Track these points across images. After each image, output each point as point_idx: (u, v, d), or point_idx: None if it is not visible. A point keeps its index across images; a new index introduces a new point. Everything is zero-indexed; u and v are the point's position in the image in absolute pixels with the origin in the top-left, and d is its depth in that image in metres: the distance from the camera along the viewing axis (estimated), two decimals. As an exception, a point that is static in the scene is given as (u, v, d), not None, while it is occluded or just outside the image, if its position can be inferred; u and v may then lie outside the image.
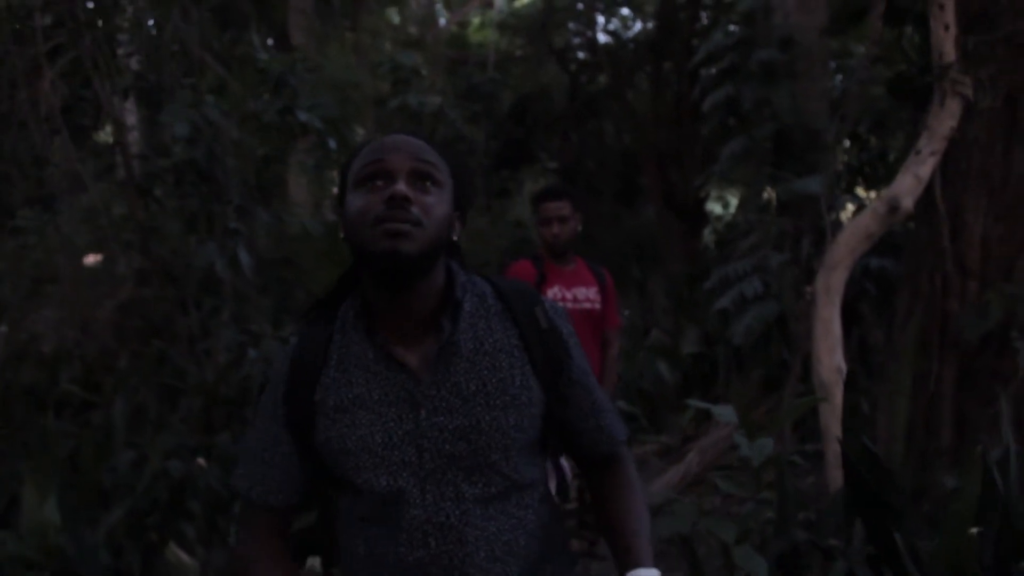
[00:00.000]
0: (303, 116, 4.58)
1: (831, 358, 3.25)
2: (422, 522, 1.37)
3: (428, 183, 1.38)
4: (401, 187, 1.33)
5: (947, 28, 3.52)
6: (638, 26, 16.51)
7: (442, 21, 18.11)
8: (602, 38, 16.10)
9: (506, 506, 1.41)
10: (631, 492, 1.49)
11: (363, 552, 1.43)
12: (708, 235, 13.58)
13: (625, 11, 16.87)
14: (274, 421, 1.44)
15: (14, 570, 3.07)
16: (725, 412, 2.81)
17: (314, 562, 3.78)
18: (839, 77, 7.27)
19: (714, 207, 14.42)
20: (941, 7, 3.54)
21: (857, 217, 3.60)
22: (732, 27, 8.18)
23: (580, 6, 15.87)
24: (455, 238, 1.45)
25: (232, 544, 3.69)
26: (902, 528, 2.05)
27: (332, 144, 4.81)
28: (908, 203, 3.47)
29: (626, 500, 1.48)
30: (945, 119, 3.51)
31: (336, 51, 9.57)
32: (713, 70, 8.04)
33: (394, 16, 17.24)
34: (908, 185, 3.44)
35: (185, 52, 4.42)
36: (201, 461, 3.63)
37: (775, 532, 2.30)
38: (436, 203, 1.37)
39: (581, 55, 16.18)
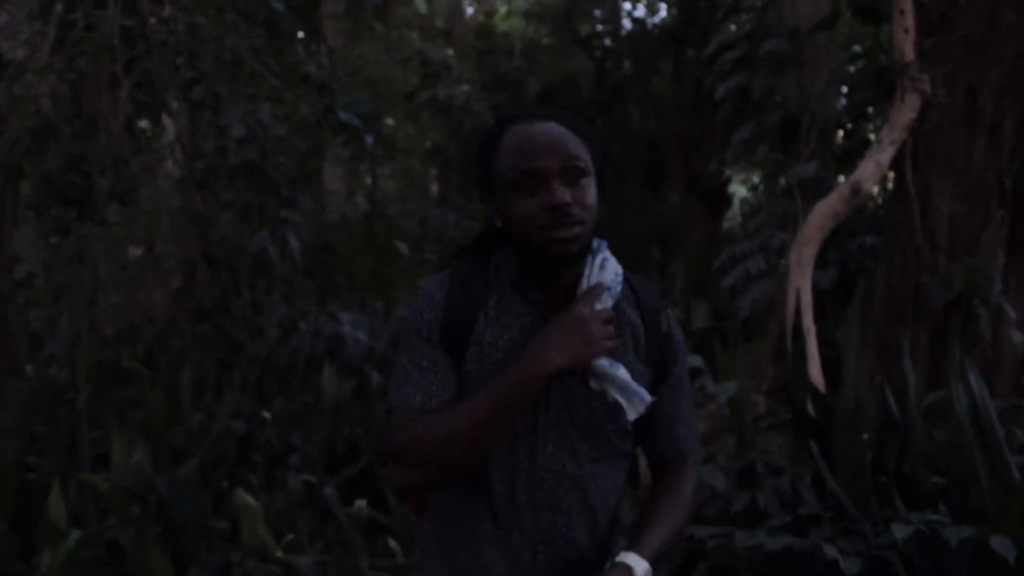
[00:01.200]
0: (343, 116, 5.25)
1: (804, 321, 3.85)
2: (540, 467, 1.53)
3: (579, 178, 1.50)
4: (561, 195, 1.46)
5: (907, 31, 4.10)
6: (663, 11, 17.02)
7: (469, 10, 18.70)
8: (626, 24, 16.65)
9: (608, 468, 1.58)
10: (673, 497, 1.61)
11: (467, 494, 1.56)
12: (733, 217, 14.11)
13: (650, -4, 17.38)
14: (430, 345, 1.57)
15: (116, 503, 3.77)
16: (725, 388, 3.45)
17: (361, 504, 4.46)
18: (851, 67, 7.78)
19: (739, 190, 14.92)
20: (902, 12, 4.11)
21: (825, 199, 4.19)
22: (744, 18, 8.74)
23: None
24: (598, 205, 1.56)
25: (293, 487, 4.37)
26: (834, 447, 2.67)
27: (369, 140, 5.48)
28: (869, 186, 4.06)
29: (664, 501, 1.60)
30: (905, 112, 4.09)
31: (367, 46, 10.21)
32: (726, 60, 8.59)
33: (422, 6, 17.84)
34: (870, 171, 4.02)
35: (239, 62, 5.10)
36: (266, 414, 4.32)
37: (735, 453, 2.90)
38: (590, 194, 1.50)
39: (606, 42, 16.70)
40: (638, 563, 1.46)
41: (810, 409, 3.01)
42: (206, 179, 5.44)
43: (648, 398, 1.50)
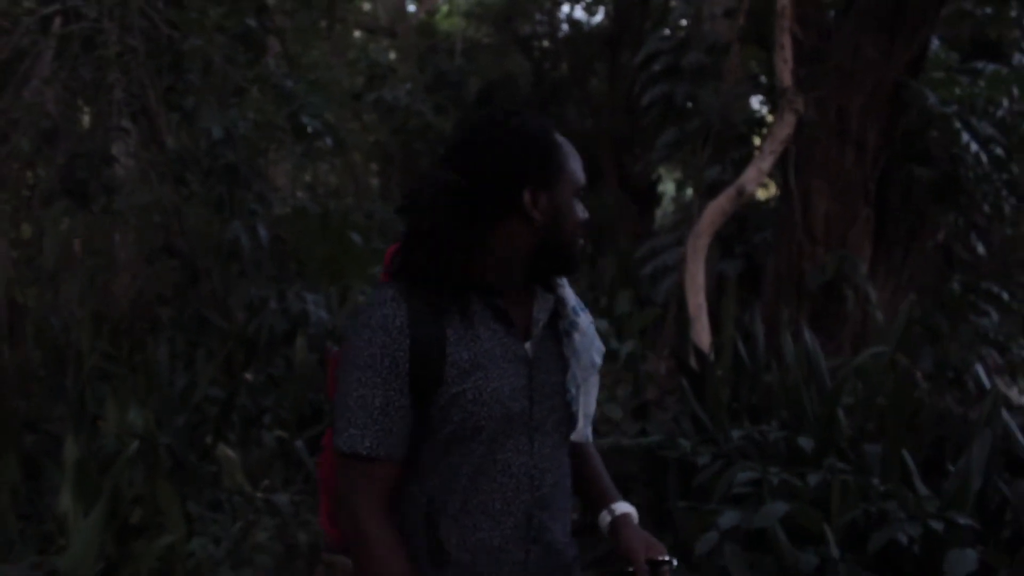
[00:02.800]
0: (307, 121, 6.11)
1: (696, 298, 4.84)
2: (529, 468, 1.61)
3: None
4: (585, 211, 1.67)
5: (785, 62, 5.12)
6: (601, 14, 18.06)
7: (411, 7, 19.51)
8: (565, 26, 17.65)
9: (565, 452, 1.71)
10: (599, 461, 1.85)
11: (458, 507, 1.59)
12: (666, 214, 15.21)
13: (587, -2, 18.43)
14: (396, 377, 1.54)
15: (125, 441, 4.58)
16: (624, 347, 4.42)
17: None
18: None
19: (669, 188, 16.03)
20: (782, 46, 5.14)
21: (715, 200, 5.21)
22: (669, 31, 9.80)
23: (543, -2, 17.38)
24: None
25: (267, 443, 5.24)
26: (705, 386, 3.64)
27: (329, 142, 6.36)
28: (752, 189, 5.08)
29: (598, 465, 1.83)
30: (783, 128, 5.12)
31: (314, 45, 11.01)
32: (653, 69, 9.62)
33: (366, 4, 18.60)
34: (752, 176, 5.04)
35: (209, 68, 5.93)
36: (249, 376, 5.18)
37: (632, 394, 3.84)
38: None
39: (545, 43, 17.70)
40: (630, 507, 1.74)
41: (692, 362, 4.00)
42: (182, 175, 6.24)
43: (589, 431, 1.73)
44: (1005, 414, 3.15)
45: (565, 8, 18.51)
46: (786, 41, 5.15)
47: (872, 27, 5.35)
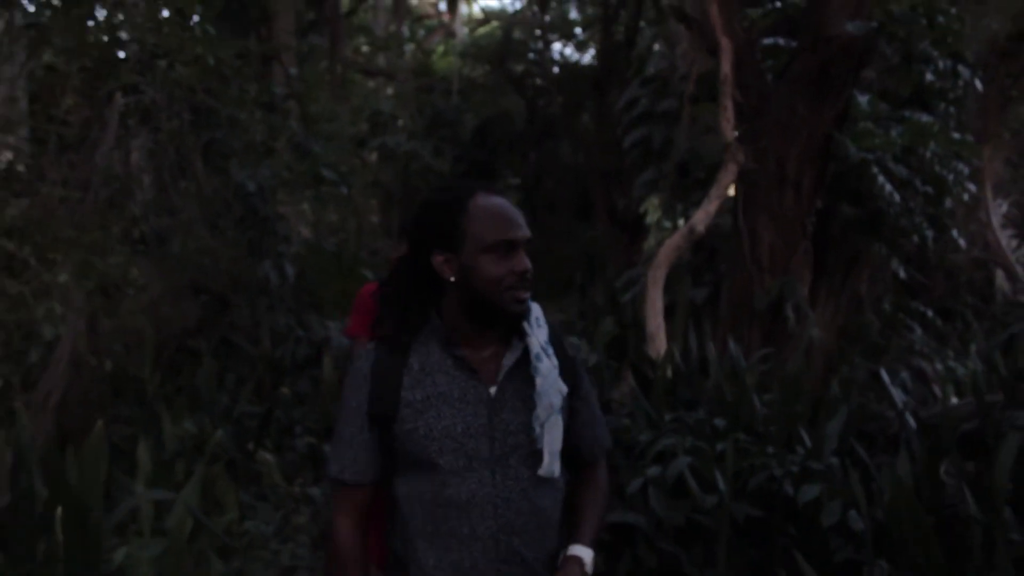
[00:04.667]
0: (326, 173, 7.38)
1: (655, 320, 6.04)
2: (492, 497, 1.87)
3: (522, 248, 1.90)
4: (527, 263, 1.88)
5: (728, 120, 6.37)
6: (592, 51, 19.39)
7: (407, 47, 20.87)
8: (557, 65, 18.97)
9: (547, 488, 1.94)
10: (597, 489, 2.05)
11: (431, 530, 1.89)
12: (651, 245, 16.45)
13: (579, 32, 19.78)
14: (359, 415, 1.93)
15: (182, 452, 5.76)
16: (589, 358, 5.64)
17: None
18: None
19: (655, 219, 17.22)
20: (725, 108, 6.38)
21: (671, 237, 6.43)
22: (647, 77, 11.07)
23: (537, 35, 18.71)
24: None
25: (299, 448, 6.42)
26: (651, 388, 4.83)
27: (344, 190, 7.62)
28: (701, 228, 6.30)
29: (591, 494, 2.04)
30: (726, 175, 6.35)
31: (321, 94, 12.32)
32: (631, 115, 10.88)
33: (364, 46, 19.96)
34: (701, 217, 6.27)
35: (244, 132, 7.19)
36: (285, 389, 6.38)
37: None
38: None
39: (538, 81, 19.02)
40: (585, 552, 1.90)
41: (647, 369, 5.21)
42: (216, 222, 7.49)
43: (556, 468, 1.92)
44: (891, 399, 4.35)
45: (557, 47, 19.85)
46: (728, 103, 6.40)
47: (803, 89, 6.59)
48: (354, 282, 8.49)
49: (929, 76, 6.57)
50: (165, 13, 6.37)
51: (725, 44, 6.44)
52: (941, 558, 3.31)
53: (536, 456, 1.90)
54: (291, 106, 7.42)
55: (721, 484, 3.68)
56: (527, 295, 1.90)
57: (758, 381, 4.89)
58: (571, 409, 1.99)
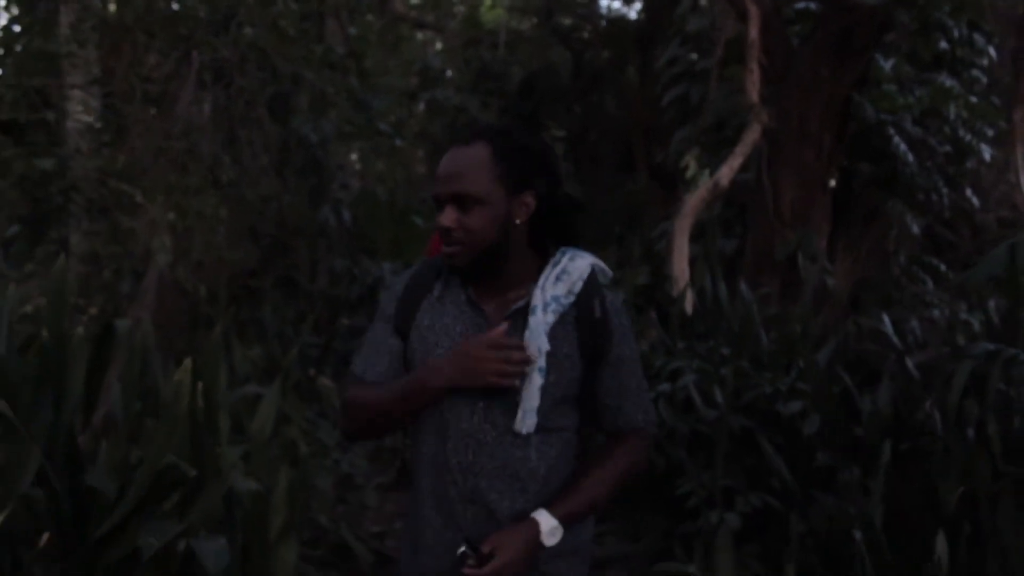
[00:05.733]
0: (382, 126, 8.13)
1: (680, 264, 6.75)
2: (465, 435, 1.97)
3: (467, 203, 1.93)
4: (443, 219, 1.94)
5: (753, 84, 6.99)
6: (638, 6, 19.84)
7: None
8: (603, 19, 19.45)
9: (532, 440, 1.96)
10: (603, 467, 2.04)
11: (423, 450, 2.04)
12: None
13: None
14: (387, 323, 2.08)
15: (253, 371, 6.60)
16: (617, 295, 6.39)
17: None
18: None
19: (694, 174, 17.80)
20: (751, 71, 7.01)
21: (696, 190, 7.10)
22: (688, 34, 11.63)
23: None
24: (518, 221, 1.96)
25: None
26: (668, 319, 5.55)
27: (399, 142, 8.37)
28: (724, 182, 6.97)
29: (594, 467, 2.04)
30: (751, 134, 7.00)
31: (372, 47, 13.03)
32: (670, 73, 11.47)
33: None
34: (725, 172, 6.94)
35: (308, 89, 7.95)
36: (345, 321, 7.21)
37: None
38: (474, 220, 1.92)
39: (584, 35, 19.51)
40: (546, 520, 1.91)
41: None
42: (281, 170, 8.29)
43: (531, 424, 1.93)
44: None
45: (604, 1, 20.32)
46: (754, 67, 7.03)
47: (825, 53, 7.19)
48: (405, 228, 9.29)
49: (944, 44, 7.12)
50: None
51: (753, 11, 7.05)
52: (906, 469, 4.03)
53: (513, 405, 1.95)
54: (350, 63, 8.16)
55: (720, 399, 4.42)
56: (449, 250, 1.96)
57: (767, 319, 5.59)
58: (596, 374, 2.02)
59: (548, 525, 1.91)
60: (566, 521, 1.94)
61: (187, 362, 2.95)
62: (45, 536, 2.81)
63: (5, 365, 2.85)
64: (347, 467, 6.07)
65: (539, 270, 2.02)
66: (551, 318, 1.94)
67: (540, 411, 1.93)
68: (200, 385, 3.23)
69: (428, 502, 2.01)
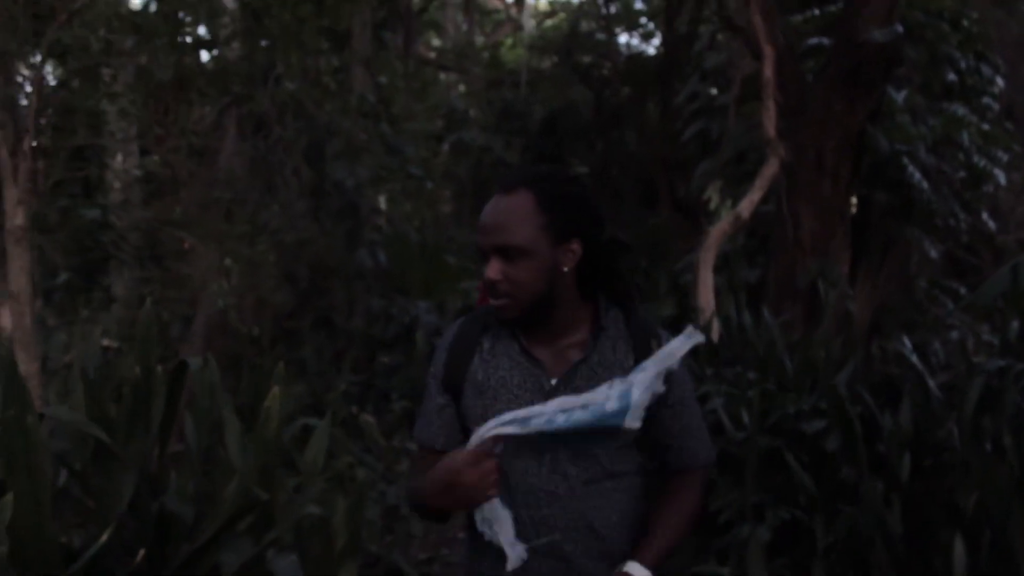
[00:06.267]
0: (414, 170, 8.54)
1: (706, 296, 7.05)
2: (536, 489, 1.96)
3: (512, 255, 1.91)
4: (489, 272, 1.94)
5: (770, 119, 7.33)
6: (657, 42, 20.30)
7: (477, 39, 22.02)
8: (622, 56, 19.92)
9: (602, 488, 1.98)
10: (676, 507, 2.05)
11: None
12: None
13: (646, 23, 20.69)
14: (437, 385, 2.07)
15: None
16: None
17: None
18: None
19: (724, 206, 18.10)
20: (767, 108, 7.35)
21: (719, 223, 7.42)
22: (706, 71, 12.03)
23: (603, 26, 19.67)
24: (565, 269, 1.96)
25: (396, 410, 7.59)
26: (699, 351, 5.86)
27: (429, 185, 8.76)
28: (745, 215, 7.29)
29: (667, 510, 2.04)
30: (769, 168, 7.32)
31: (399, 93, 13.50)
32: (690, 109, 11.85)
33: (435, 40, 21.16)
34: (745, 205, 7.26)
35: (343, 135, 8.36)
36: (385, 359, 7.56)
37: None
38: (520, 272, 1.92)
39: (604, 72, 19.97)
40: (638, 571, 1.91)
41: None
42: (317, 215, 8.69)
43: (522, 554, 1.90)
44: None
45: (623, 38, 20.80)
46: (770, 104, 7.37)
47: (838, 88, 7.52)
48: (437, 267, 9.65)
49: (951, 76, 7.45)
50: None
51: (768, 51, 7.41)
52: (927, 482, 4.31)
53: (586, 457, 1.96)
54: (381, 110, 8.59)
55: (747, 421, 4.71)
56: (497, 303, 1.96)
57: (790, 344, 5.88)
58: (653, 416, 1.98)
59: (638, 571, 1.92)
60: (654, 567, 1.94)
61: (275, 390, 3.28)
62: (141, 553, 3.13)
63: (101, 397, 3.20)
64: (393, 499, 6.38)
65: (591, 315, 2.04)
66: (646, 397, 1.91)
67: (607, 457, 1.97)
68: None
69: (494, 553, 1.94)
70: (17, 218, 4.37)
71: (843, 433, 4.60)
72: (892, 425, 4.74)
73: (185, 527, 3.55)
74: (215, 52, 7.84)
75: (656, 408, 1.96)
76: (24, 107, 4.46)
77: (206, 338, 7.29)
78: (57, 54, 4.49)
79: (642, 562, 1.93)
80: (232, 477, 3.73)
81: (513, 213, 1.92)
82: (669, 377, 1.94)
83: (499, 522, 1.90)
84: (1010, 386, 4.58)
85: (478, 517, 1.93)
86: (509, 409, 1.93)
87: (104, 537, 2.93)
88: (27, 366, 4.28)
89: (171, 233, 6.73)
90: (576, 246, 1.96)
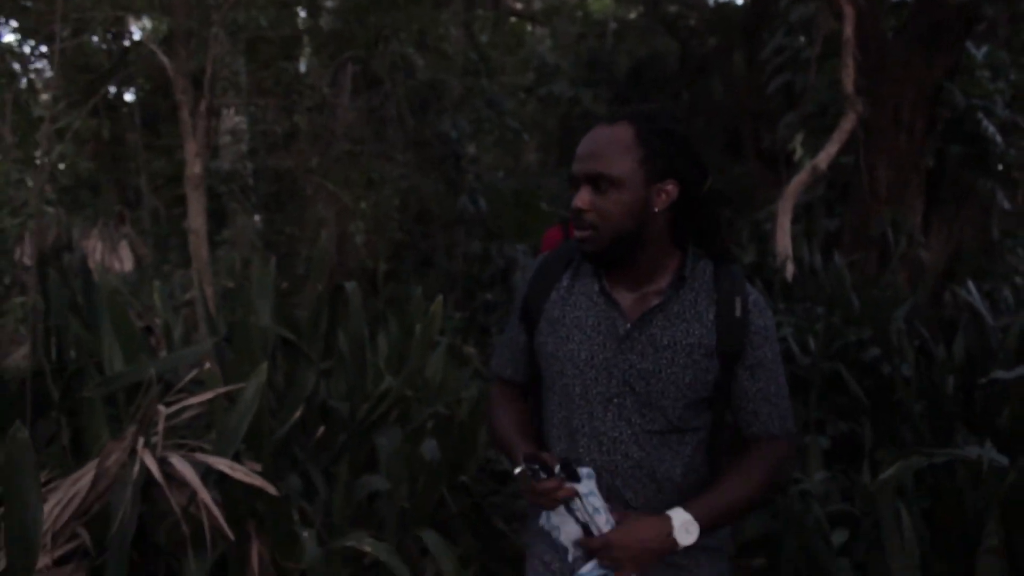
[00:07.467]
0: (511, 122, 9.38)
1: (784, 241, 7.79)
2: (600, 433, 1.96)
3: (603, 185, 1.89)
4: (577, 200, 1.90)
5: (848, 76, 7.98)
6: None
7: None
8: (709, 7, 20.33)
9: (667, 440, 1.96)
10: (741, 473, 1.96)
11: (552, 442, 2.06)
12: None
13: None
14: (516, 317, 2.12)
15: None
16: None
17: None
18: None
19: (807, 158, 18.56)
20: (847, 65, 8.00)
21: (798, 175, 8.12)
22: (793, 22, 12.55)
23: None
24: (656, 210, 1.90)
25: (494, 342, 8.52)
26: (772, 283, 6.63)
27: (526, 137, 9.61)
28: (823, 167, 7.98)
29: (732, 474, 1.97)
30: (846, 122, 7.99)
31: (493, 47, 14.30)
32: (775, 62, 12.41)
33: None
34: (823, 157, 7.95)
35: (438, 84, 9.25)
36: (489, 295, 8.50)
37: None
38: (609, 203, 1.89)
39: (690, 23, 20.41)
40: (678, 515, 1.86)
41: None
42: (422, 164, 9.63)
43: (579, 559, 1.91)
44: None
45: (710, -13, 21.13)
46: (849, 61, 8.02)
47: (916, 46, 8.12)
48: (532, 213, 10.54)
49: (1025, 34, 7.99)
50: None
51: (848, 10, 8.03)
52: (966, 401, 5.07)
53: (653, 408, 1.94)
54: (481, 66, 9.45)
55: (813, 347, 5.52)
56: (581, 234, 1.94)
57: (856, 284, 6.64)
58: (732, 376, 1.97)
59: (681, 520, 1.86)
60: (702, 521, 1.88)
61: (439, 298, 4.22)
62: (320, 430, 4.11)
63: (290, 311, 4.17)
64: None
65: (679, 266, 2.00)
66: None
67: (675, 411, 1.95)
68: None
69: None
70: (196, 167, 5.35)
71: (897, 360, 5.37)
72: (944, 355, 5.50)
73: (342, 419, 4.53)
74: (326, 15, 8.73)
75: (732, 365, 1.96)
76: (200, 76, 5.41)
77: (328, 275, 8.30)
78: (231, 32, 5.39)
79: (688, 510, 1.88)
80: (381, 378, 4.71)
81: (612, 143, 1.90)
82: (738, 330, 1.94)
83: (564, 530, 1.91)
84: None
85: (543, 515, 1.96)
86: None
87: (297, 415, 3.89)
88: (206, 289, 5.28)
89: (294, 182, 7.70)
90: (672, 187, 1.92)
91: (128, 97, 10.18)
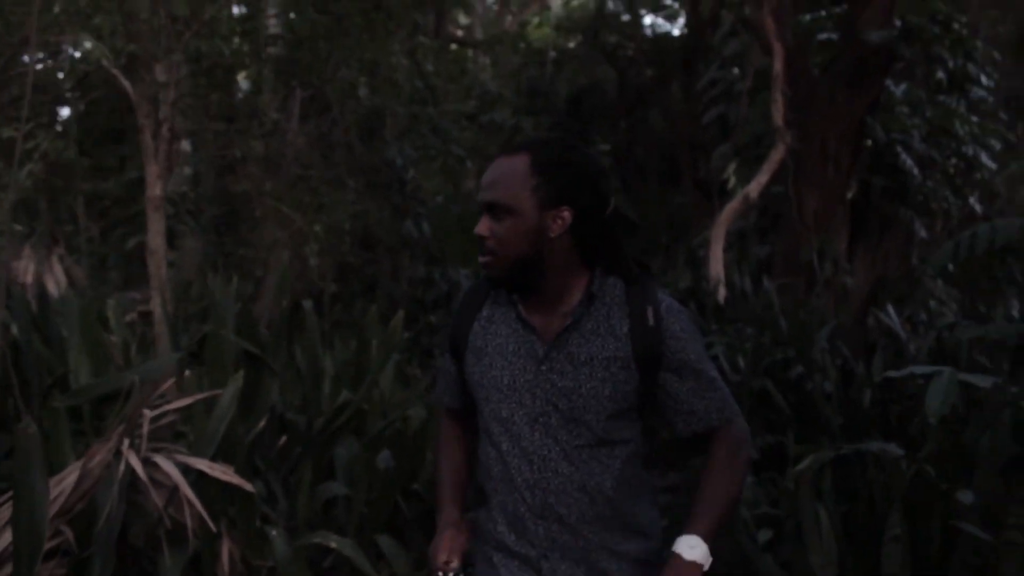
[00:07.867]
0: (456, 150, 9.74)
1: (716, 266, 8.25)
2: (529, 452, 2.05)
3: (499, 212, 1.99)
4: (478, 227, 2.03)
5: (778, 110, 8.50)
6: (682, 21, 21.35)
7: (506, 18, 23.11)
8: (647, 37, 20.99)
9: (596, 454, 2.04)
10: (714, 472, 2.05)
11: (491, 470, 2.13)
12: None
13: (671, 2, 21.74)
14: (448, 349, 2.23)
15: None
16: None
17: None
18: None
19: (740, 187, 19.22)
20: (776, 100, 8.53)
21: (730, 203, 8.61)
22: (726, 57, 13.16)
23: (627, 7, 20.74)
24: (552, 235, 1.99)
25: (438, 365, 8.82)
26: (704, 309, 7.05)
27: (469, 165, 9.99)
28: (754, 195, 8.49)
29: (711, 477, 2.04)
30: (777, 153, 8.50)
31: (437, 75, 14.68)
32: (710, 94, 13.00)
33: (463, 19, 22.24)
34: (754, 186, 8.45)
35: (382, 112, 9.60)
36: (432, 318, 8.81)
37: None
38: (505, 230, 1.99)
39: (628, 53, 21.02)
40: (689, 544, 1.94)
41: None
42: (370, 189, 9.94)
43: None
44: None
45: (647, 19, 21.85)
46: (779, 96, 8.55)
47: (841, 82, 8.68)
48: (475, 239, 10.89)
49: (940, 74, 8.61)
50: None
51: (777, 48, 8.57)
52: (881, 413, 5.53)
53: (577, 423, 2.02)
54: (427, 94, 9.81)
55: (743, 366, 5.94)
56: (483, 260, 2.04)
57: (784, 308, 7.10)
58: (656, 383, 2.04)
59: (691, 546, 1.94)
60: (703, 534, 1.96)
61: (400, 313, 4.53)
62: (283, 439, 4.39)
63: (254, 329, 4.46)
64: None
65: (587, 284, 2.07)
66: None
67: (599, 424, 2.02)
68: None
69: (500, 519, 2.12)
70: (156, 189, 5.61)
71: (819, 378, 5.82)
72: (864, 373, 5.96)
73: (299, 431, 4.81)
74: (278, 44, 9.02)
75: (653, 372, 2.03)
76: (161, 100, 5.68)
77: (275, 296, 8.55)
78: (193, 58, 5.64)
79: (694, 532, 1.96)
80: (338, 392, 5.02)
81: (508, 173, 2.00)
82: (652, 339, 2.01)
83: None
84: (962, 341, 5.79)
85: None
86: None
87: (261, 424, 4.18)
88: (163, 307, 5.53)
89: (246, 204, 7.96)
90: (567, 213, 1.99)
91: (64, 112, 10.35)
